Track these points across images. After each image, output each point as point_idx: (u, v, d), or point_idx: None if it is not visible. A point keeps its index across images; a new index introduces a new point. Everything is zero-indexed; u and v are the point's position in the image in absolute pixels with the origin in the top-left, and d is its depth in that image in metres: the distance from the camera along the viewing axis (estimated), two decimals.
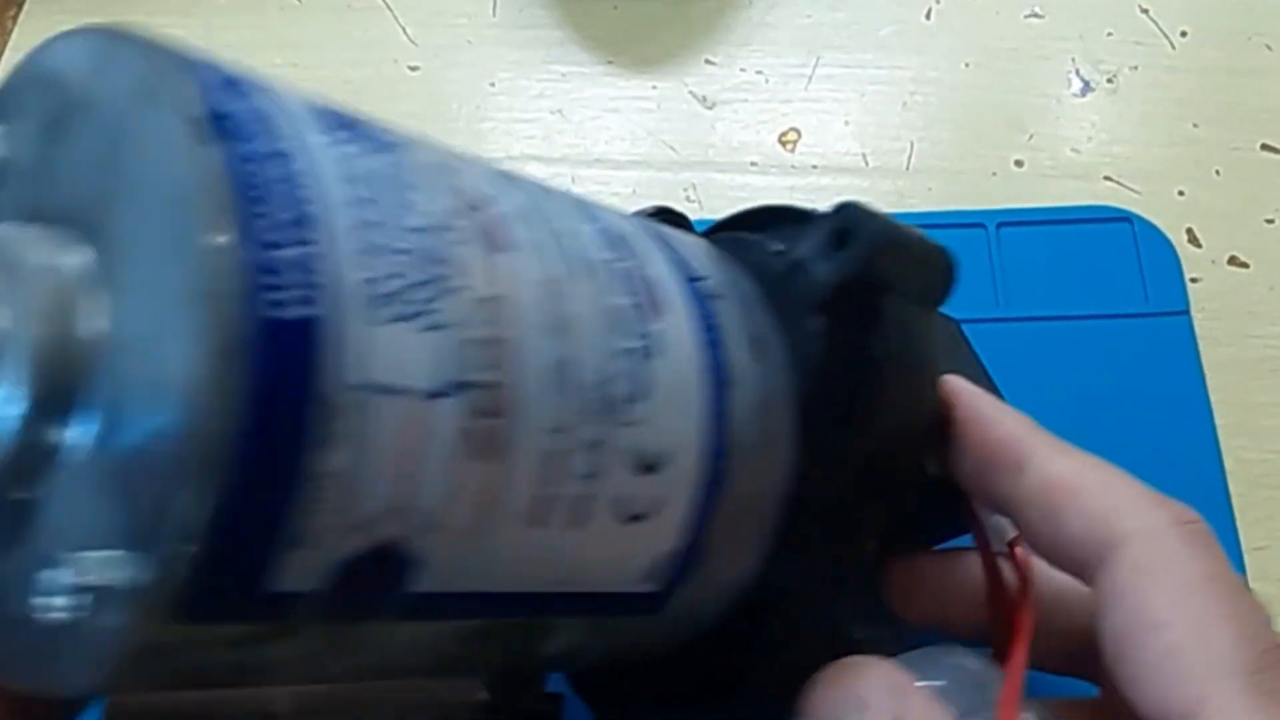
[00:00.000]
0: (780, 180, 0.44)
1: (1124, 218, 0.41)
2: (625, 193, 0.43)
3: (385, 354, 0.16)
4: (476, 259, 0.18)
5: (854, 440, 0.24)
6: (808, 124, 0.45)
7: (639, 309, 0.21)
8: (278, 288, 0.15)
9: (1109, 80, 0.45)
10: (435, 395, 0.17)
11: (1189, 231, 0.42)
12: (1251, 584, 0.35)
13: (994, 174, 0.43)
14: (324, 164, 0.17)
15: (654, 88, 0.46)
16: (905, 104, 0.45)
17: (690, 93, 0.46)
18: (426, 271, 0.17)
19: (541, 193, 0.22)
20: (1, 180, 0.18)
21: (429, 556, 0.18)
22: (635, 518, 0.20)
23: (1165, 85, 0.45)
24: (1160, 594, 0.20)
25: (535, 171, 0.44)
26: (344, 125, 0.18)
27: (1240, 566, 0.35)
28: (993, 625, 0.25)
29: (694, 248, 0.24)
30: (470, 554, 0.18)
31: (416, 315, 0.17)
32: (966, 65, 0.46)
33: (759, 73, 0.46)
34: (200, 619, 0.16)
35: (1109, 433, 0.37)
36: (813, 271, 0.23)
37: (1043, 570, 0.24)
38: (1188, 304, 0.39)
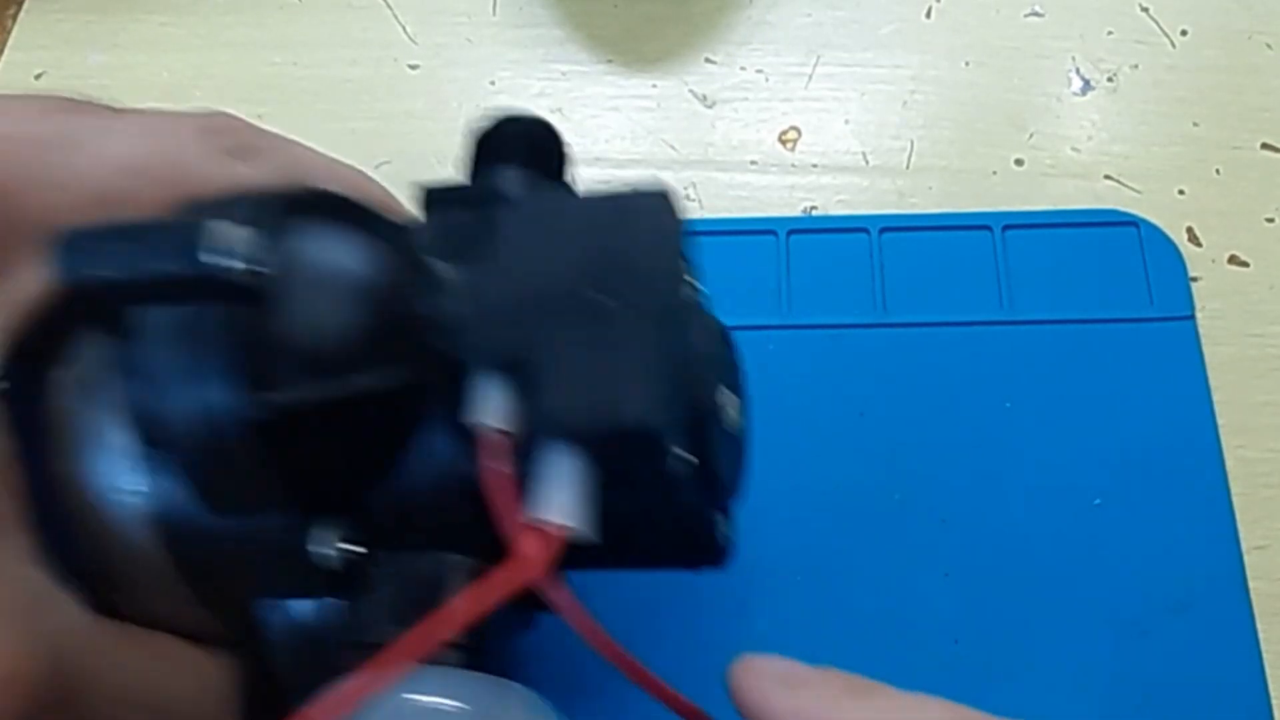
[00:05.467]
0: (780, 179, 0.44)
1: (1130, 222, 0.41)
2: None
3: None
4: None
5: None
6: (808, 123, 0.45)
7: None
8: None
9: (1109, 79, 0.45)
10: None
11: (1189, 230, 0.42)
12: (1251, 584, 0.35)
13: (994, 173, 0.43)
14: None
15: (654, 86, 0.46)
16: (905, 103, 0.45)
17: (690, 91, 0.46)
18: None
19: None
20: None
21: None
22: None
23: (1165, 84, 0.45)
24: None
25: None
26: None
27: (1240, 566, 0.35)
28: None
29: None
30: None
31: None
32: (967, 64, 0.46)
33: (759, 71, 0.46)
34: None
35: (1111, 435, 0.37)
36: None
37: None
38: (1193, 309, 0.39)
